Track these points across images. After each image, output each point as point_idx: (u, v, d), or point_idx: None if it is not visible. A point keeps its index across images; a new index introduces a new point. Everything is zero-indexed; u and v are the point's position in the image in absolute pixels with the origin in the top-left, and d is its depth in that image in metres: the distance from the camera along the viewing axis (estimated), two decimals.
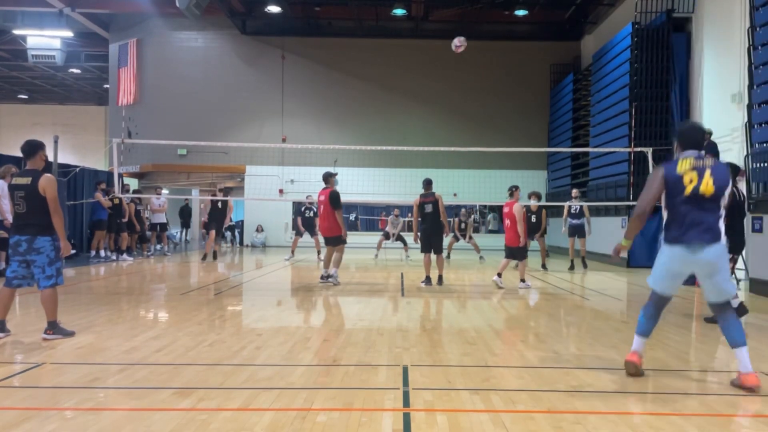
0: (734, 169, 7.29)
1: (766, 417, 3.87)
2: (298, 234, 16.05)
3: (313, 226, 15.17)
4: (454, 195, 20.49)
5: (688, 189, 4.35)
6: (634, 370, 4.65)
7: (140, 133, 22.02)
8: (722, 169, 4.42)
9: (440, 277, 10.49)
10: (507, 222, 10.31)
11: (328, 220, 10.09)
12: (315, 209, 13.03)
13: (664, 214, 4.53)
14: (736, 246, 7.19)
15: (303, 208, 16.10)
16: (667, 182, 4.44)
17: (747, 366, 4.27)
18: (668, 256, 4.52)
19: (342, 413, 3.76)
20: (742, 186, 11.47)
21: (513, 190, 10.41)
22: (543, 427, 3.55)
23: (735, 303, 7.16)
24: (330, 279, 10.30)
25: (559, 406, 3.93)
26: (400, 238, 17.04)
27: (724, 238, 4.40)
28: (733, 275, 7.17)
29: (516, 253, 10.36)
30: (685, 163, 4.41)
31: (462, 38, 11.52)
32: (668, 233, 4.47)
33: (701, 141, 4.62)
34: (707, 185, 4.32)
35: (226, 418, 3.63)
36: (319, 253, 15.74)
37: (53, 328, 5.76)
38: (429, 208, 10.14)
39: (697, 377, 4.87)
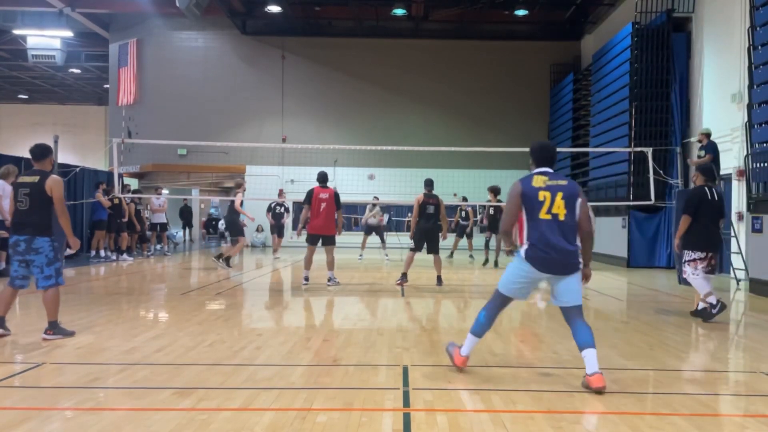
0: (704, 171, 7.54)
1: (766, 417, 3.87)
2: (276, 233, 16.59)
3: (282, 225, 16.04)
4: (454, 195, 20.48)
5: (544, 207, 4.39)
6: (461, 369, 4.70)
7: (140, 133, 22.02)
8: (572, 189, 4.46)
9: (438, 278, 10.42)
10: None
11: (328, 219, 10.04)
12: (286, 206, 13.01)
13: (523, 231, 4.55)
14: (711, 245, 7.23)
15: (274, 204, 16.30)
16: (524, 198, 4.48)
17: (593, 367, 4.20)
18: (523, 269, 4.48)
19: (342, 413, 3.76)
20: (738, 186, 11.49)
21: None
22: (543, 427, 3.55)
23: (700, 305, 7.35)
24: (330, 282, 10.23)
25: (559, 406, 3.93)
26: (379, 234, 16.51)
27: (576, 266, 4.46)
28: (714, 274, 7.35)
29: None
30: (538, 180, 4.50)
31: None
32: (527, 250, 4.42)
33: (553, 158, 4.77)
34: (559, 207, 4.37)
35: (226, 418, 3.63)
36: (275, 251, 16.58)
37: (53, 328, 5.74)
38: (431, 209, 10.24)
39: (697, 377, 4.87)
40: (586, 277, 4.64)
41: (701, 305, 7.29)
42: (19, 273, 5.79)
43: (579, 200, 4.46)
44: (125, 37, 23.18)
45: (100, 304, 8.03)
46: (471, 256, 16.62)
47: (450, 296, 9.25)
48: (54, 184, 5.68)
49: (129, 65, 23.06)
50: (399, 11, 20.13)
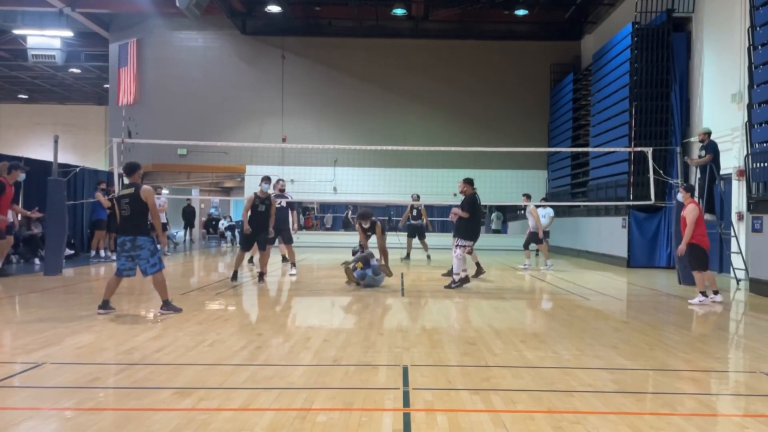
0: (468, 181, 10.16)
1: (766, 417, 3.87)
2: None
3: (266, 226, 11.03)
4: (454, 195, 20.46)
5: None
6: None
7: (140, 132, 22.02)
8: None
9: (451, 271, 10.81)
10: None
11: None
12: (268, 204, 10.53)
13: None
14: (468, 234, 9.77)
15: (256, 202, 11.26)
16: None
17: None
18: None
19: (342, 413, 3.75)
20: (738, 186, 11.49)
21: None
22: (543, 427, 3.55)
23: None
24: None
25: (559, 406, 3.93)
26: (422, 235, 16.01)
27: None
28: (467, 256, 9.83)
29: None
30: None
31: None
32: None
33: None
34: None
35: (226, 418, 3.63)
36: (251, 259, 14.00)
37: (166, 305, 7.14)
38: (415, 212, 14.37)
39: (697, 377, 4.86)
40: None
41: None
42: (126, 266, 7.09)
43: None
44: (125, 37, 23.18)
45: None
46: (428, 256, 16.00)
47: (450, 296, 9.24)
48: (147, 193, 7.05)
49: (129, 65, 23.06)
50: (399, 11, 20.13)
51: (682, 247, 8.74)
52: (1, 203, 10.31)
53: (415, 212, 15.89)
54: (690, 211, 8.72)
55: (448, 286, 9.92)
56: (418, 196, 16.18)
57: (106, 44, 23.95)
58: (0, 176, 10.37)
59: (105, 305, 7.10)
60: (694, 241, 8.72)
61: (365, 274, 9.93)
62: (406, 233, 16.08)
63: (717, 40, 13.38)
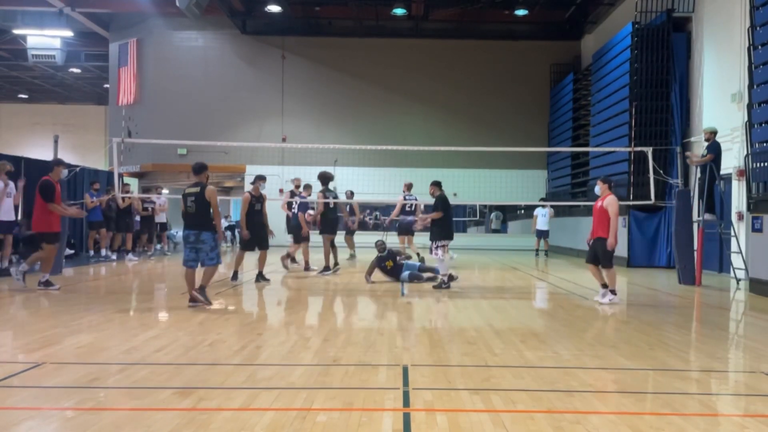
0: (324, 178, 11.63)
1: (766, 417, 3.87)
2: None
3: (264, 225, 10.84)
4: (454, 195, 20.45)
5: None
6: None
7: (140, 132, 22.02)
8: None
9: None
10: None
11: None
12: (262, 203, 10.44)
13: None
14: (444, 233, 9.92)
15: (252, 201, 10.64)
16: None
17: None
18: None
19: (342, 413, 3.75)
20: (738, 186, 11.49)
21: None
22: (543, 427, 3.55)
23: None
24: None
25: (559, 406, 3.93)
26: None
27: None
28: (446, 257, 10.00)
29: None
30: None
31: None
32: None
33: None
34: None
35: (226, 418, 3.63)
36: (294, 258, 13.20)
37: (201, 291, 7.67)
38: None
39: (697, 377, 4.87)
40: None
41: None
42: (190, 257, 7.73)
43: None
44: (125, 37, 23.17)
45: (100, 304, 8.02)
46: (352, 255, 15.54)
47: (450, 296, 9.24)
48: (211, 193, 7.70)
49: (129, 65, 23.05)
50: (399, 11, 20.12)
51: (611, 241, 8.39)
52: (56, 202, 9.29)
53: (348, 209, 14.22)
54: (612, 203, 8.53)
55: (438, 287, 9.91)
56: (352, 193, 15.62)
57: (106, 44, 23.96)
58: (45, 176, 9.55)
59: (202, 293, 7.64)
60: (605, 235, 8.43)
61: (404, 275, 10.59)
62: (396, 232, 14.52)
63: (717, 40, 13.38)
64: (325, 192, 11.77)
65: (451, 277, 10.01)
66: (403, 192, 13.81)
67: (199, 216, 7.66)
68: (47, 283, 9.04)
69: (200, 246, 7.65)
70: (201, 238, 7.63)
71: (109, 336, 5.93)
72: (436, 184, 10.22)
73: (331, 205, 11.90)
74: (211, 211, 7.72)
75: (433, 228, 10.12)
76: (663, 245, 14.64)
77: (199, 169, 7.92)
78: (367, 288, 10.10)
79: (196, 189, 7.69)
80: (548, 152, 21.84)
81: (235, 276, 10.64)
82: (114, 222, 15.04)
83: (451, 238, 10.15)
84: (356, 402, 3.98)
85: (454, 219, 17.01)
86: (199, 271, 7.84)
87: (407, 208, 13.56)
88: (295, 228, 12.52)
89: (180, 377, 4.51)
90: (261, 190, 10.60)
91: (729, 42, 12.68)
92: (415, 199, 13.73)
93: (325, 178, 11.80)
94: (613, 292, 8.54)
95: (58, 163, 9.74)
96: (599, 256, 8.51)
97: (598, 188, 8.97)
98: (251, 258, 11.69)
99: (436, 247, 9.93)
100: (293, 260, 13.08)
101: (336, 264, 12.12)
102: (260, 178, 10.68)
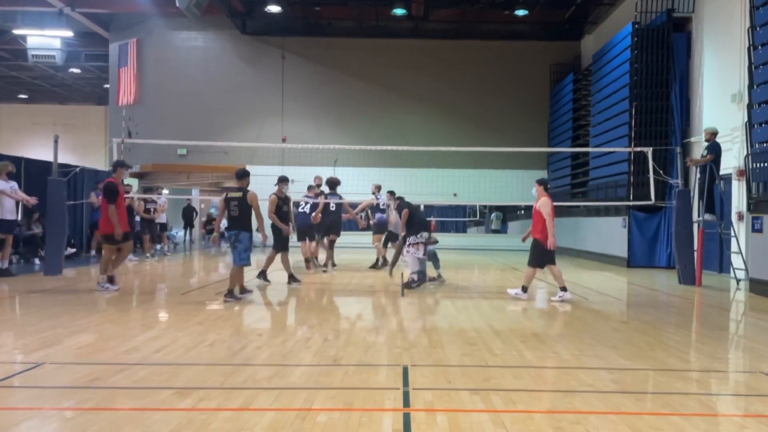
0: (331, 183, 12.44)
1: (766, 417, 3.87)
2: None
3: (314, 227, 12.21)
4: (454, 195, 20.48)
5: None
6: None
7: (140, 133, 22.01)
8: None
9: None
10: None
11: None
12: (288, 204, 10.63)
13: None
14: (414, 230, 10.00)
15: (279, 203, 10.49)
16: None
17: None
18: None
19: (342, 413, 3.75)
20: (738, 186, 11.49)
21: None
22: (543, 427, 3.55)
23: None
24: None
25: (559, 406, 3.93)
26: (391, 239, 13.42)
27: None
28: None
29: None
30: None
31: None
32: None
33: None
34: None
35: (226, 418, 3.63)
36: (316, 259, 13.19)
37: (230, 294, 8.25)
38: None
39: (697, 377, 4.86)
40: None
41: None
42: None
43: None
44: (125, 37, 23.17)
45: (100, 304, 8.03)
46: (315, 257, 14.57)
47: (450, 296, 9.25)
48: (252, 198, 8.25)
49: (129, 65, 23.05)
50: (399, 11, 20.12)
51: (551, 241, 8.79)
52: (119, 205, 9.10)
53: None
54: (545, 204, 8.78)
55: (407, 286, 9.69)
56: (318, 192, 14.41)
57: (106, 44, 23.95)
58: (108, 177, 9.49)
59: (232, 296, 8.22)
60: (539, 236, 8.81)
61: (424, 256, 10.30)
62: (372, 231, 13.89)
63: (717, 40, 13.38)
64: (328, 195, 12.54)
65: (420, 281, 9.87)
66: (373, 192, 13.87)
67: (241, 218, 8.25)
68: (110, 280, 9.25)
69: (237, 245, 8.22)
70: (239, 238, 8.22)
71: (109, 336, 5.93)
72: (392, 194, 11.77)
73: (332, 208, 12.47)
74: (253, 213, 8.30)
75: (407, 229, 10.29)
76: (663, 245, 14.64)
77: (242, 174, 8.45)
78: (367, 288, 10.10)
79: (239, 194, 8.24)
80: (548, 152, 21.84)
81: (264, 276, 10.43)
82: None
83: (419, 233, 10.01)
84: (356, 402, 3.98)
85: (453, 219, 17.09)
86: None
87: (381, 206, 13.46)
88: (304, 226, 12.32)
89: (180, 377, 4.51)
90: (285, 192, 10.57)
91: (729, 42, 12.68)
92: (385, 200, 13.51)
93: (333, 184, 12.88)
94: (525, 289, 8.87)
95: (120, 164, 9.64)
96: (529, 255, 8.94)
97: (534, 190, 9.18)
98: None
99: (408, 245, 10.03)
100: (316, 260, 13.17)
101: (334, 264, 12.94)
102: (283, 180, 10.51)
